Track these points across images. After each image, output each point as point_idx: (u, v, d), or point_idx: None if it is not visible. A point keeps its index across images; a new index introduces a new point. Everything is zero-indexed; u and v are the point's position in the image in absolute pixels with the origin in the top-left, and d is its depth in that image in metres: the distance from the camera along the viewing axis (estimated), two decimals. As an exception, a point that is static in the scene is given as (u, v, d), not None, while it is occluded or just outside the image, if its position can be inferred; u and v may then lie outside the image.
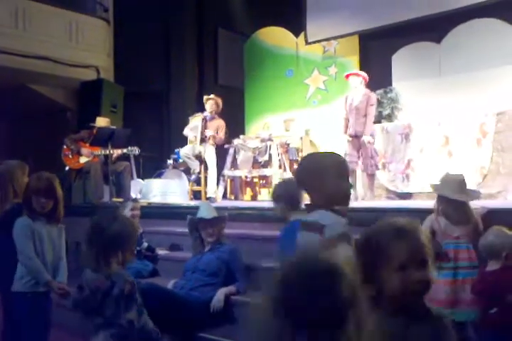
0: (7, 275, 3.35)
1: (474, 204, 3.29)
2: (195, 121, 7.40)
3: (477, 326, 2.92)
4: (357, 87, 6.72)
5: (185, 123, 7.64)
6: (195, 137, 7.27)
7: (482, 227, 3.16)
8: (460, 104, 7.30)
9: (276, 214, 3.27)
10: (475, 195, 3.31)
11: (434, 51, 8.10)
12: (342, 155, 6.57)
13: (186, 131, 7.45)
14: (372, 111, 6.67)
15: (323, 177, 2.08)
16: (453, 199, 3.12)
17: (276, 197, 3.17)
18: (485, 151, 6.44)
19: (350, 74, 6.92)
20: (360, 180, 6.84)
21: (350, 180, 6.51)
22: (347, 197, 2.14)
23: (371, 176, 6.64)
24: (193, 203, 6.87)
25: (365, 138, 6.47)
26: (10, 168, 3.53)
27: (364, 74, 6.83)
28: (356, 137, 6.56)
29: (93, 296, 2.34)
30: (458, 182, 3.20)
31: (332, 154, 2.33)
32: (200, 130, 7.23)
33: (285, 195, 3.08)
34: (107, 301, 2.34)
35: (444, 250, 3.06)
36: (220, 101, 7.42)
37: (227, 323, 3.46)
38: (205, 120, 7.33)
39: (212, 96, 7.47)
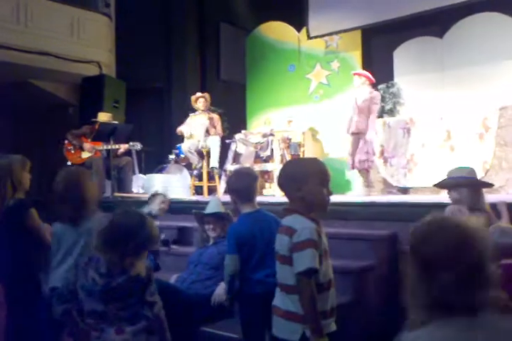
0: (13, 270, 3.36)
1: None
2: (197, 119, 7.40)
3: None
4: (359, 86, 6.74)
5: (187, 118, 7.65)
6: (196, 133, 7.31)
7: (508, 219, 3.16)
8: (462, 99, 7.29)
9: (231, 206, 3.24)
10: None
11: (437, 46, 8.07)
12: (347, 151, 6.70)
13: (184, 128, 7.46)
14: (376, 110, 6.65)
15: (301, 184, 2.17)
16: (477, 189, 3.11)
17: (229, 189, 3.10)
18: (487, 146, 6.42)
19: (354, 74, 6.93)
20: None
21: (361, 177, 6.62)
22: (325, 204, 2.22)
23: (365, 172, 6.57)
24: (195, 198, 6.89)
25: (368, 135, 6.46)
26: (10, 162, 3.51)
27: (367, 74, 6.82)
28: (357, 135, 6.56)
29: (124, 284, 2.32)
30: (474, 171, 3.20)
31: (313, 161, 2.40)
32: (207, 127, 7.28)
33: (238, 187, 2.98)
34: (135, 289, 2.34)
35: None
36: (208, 96, 7.54)
37: (228, 317, 3.46)
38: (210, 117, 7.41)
39: (200, 94, 7.58)
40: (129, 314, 2.35)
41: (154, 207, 4.83)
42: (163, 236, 4.80)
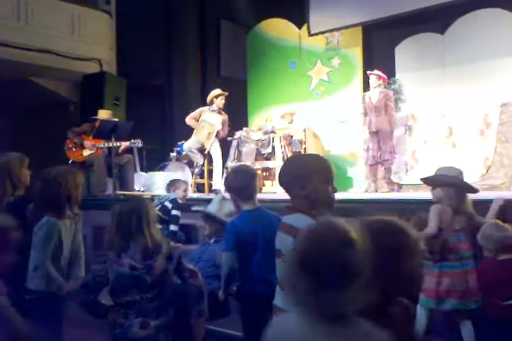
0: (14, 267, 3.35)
1: (486, 195, 3.28)
2: (212, 117, 7.28)
3: (477, 315, 2.94)
4: (376, 87, 6.82)
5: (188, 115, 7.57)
6: (210, 133, 7.21)
7: (494, 215, 3.16)
8: (464, 96, 7.27)
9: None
10: None
11: (438, 42, 8.05)
12: (364, 147, 6.82)
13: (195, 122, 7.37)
14: (393, 107, 6.86)
15: (305, 182, 2.08)
16: (463, 190, 3.10)
17: (228, 187, 3.04)
18: (489, 142, 6.42)
19: (372, 74, 6.95)
20: (368, 173, 6.91)
21: (370, 173, 6.84)
22: (330, 202, 2.14)
23: (388, 170, 6.84)
24: (196, 195, 6.88)
25: (397, 133, 6.78)
26: (8, 160, 3.49)
27: (384, 75, 6.91)
28: (376, 133, 6.70)
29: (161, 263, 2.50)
30: (462, 174, 3.18)
31: (316, 157, 2.31)
32: (218, 130, 7.20)
33: (236, 185, 2.93)
34: (170, 268, 2.53)
35: (453, 242, 3.05)
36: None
37: (228, 315, 3.46)
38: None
39: (221, 91, 7.34)
40: (158, 304, 2.44)
41: (179, 193, 5.02)
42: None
